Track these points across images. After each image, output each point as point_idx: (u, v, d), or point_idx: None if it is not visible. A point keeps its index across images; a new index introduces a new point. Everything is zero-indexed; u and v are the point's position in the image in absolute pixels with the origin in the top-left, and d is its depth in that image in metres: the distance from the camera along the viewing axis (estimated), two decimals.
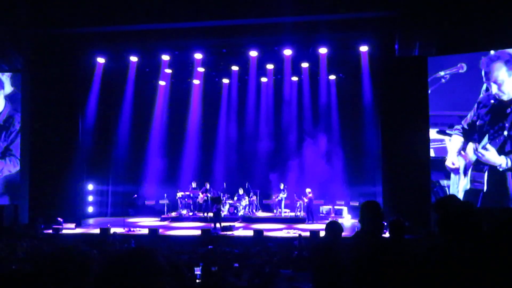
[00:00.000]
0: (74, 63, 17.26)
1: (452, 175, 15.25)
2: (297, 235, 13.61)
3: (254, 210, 19.67)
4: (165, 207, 19.69)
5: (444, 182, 15.30)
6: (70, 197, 17.19)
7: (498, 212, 13.64)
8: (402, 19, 14.20)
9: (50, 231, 15.44)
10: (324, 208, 18.96)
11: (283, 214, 18.93)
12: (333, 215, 18.27)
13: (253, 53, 18.03)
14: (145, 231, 15.34)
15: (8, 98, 16.89)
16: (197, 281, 6.97)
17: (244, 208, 19.23)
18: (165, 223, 18.34)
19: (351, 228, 16.01)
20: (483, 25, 14.38)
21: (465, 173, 15.01)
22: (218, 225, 16.17)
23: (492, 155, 14.64)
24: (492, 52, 14.86)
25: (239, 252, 11.22)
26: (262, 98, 21.42)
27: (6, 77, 16.91)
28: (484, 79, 14.91)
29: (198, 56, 18.23)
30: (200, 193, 19.46)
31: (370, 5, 14.50)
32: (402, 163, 15.60)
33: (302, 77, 20.37)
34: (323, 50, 17.53)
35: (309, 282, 6.30)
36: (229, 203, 19.10)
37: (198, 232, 15.17)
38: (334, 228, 5.21)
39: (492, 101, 14.75)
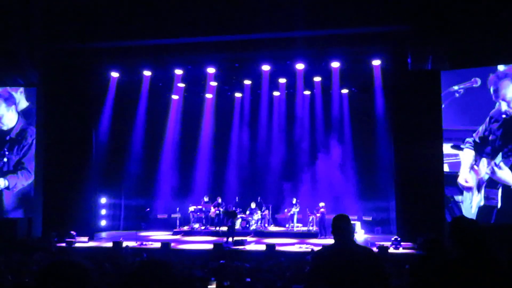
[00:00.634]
0: (88, 78, 17.44)
1: (465, 192, 15.08)
2: (310, 250, 13.51)
3: (266, 225, 19.59)
4: (177, 221, 19.70)
5: (458, 198, 15.11)
6: (83, 210, 17.25)
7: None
8: (414, 33, 14.17)
9: (64, 244, 15.50)
10: None
11: (295, 229, 18.84)
12: None
13: (266, 67, 18.08)
14: (158, 244, 15.34)
15: (22, 113, 17.05)
16: None
17: (256, 222, 19.18)
18: (177, 237, 18.34)
19: (364, 243, 15.86)
20: (497, 39, 14.30)
21: (478, 189, 14.82)
22: (230, 239, 16.12)
23: (505, 174, 14.46)
24: (501, 68, 14.75)
25: (251, 266, 11.15)
26: (275, 112, 21.45)
27: (20, 93, 17.07)
28: (493, 97, 14.80)
29: (210, 70, 18.32)
30: (212, 207, 19.45)
31: (382, 19, 14.50)
32: (416, 178, 15.48)
33: (315, 91, 20.38)
34: (335, 64, 17.53)
35: None
36: (241, 217, 19.04)
37: (210, 246, 15.13)
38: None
39: (504, 116, 14.62)
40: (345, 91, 20.33)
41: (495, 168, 14.52)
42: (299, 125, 20.99)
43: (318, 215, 18.00)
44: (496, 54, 14.69)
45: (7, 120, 17.00)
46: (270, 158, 21.19)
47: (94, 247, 15.73)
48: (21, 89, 17.07)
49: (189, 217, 19.86)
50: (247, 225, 18.80)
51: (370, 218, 19.03)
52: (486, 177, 14.67)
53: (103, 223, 19.81)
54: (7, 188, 16.73)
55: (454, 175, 15.23)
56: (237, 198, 19.90)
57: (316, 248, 13.67)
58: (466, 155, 15.04)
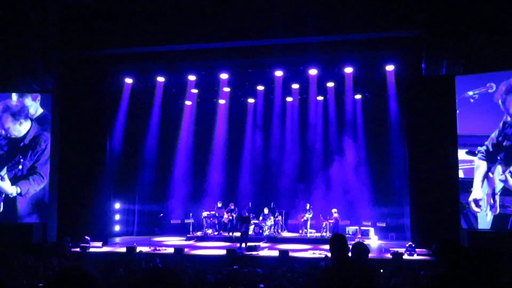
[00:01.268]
0: (102, 84, 17.59)
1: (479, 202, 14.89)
2: (323, 256, 13.45)
3: (279, 230, 19.54)
4: (191, 226, 19.73)
5: (473, 206, 14.95)
6: (97, 216, 17.34)
7: None
8: (428, 38, 14.08)
9: (78, 249, 15.60)
10: (351, 229, 18.72)
11: (308, 235, 18.76)
12: (359, 236, 18.02)
13: (279, 73, 18.10)
14: (171, 250, 15.37)
15: (37, 120, 17.21)
16: None
17: (269, 228, 19.13)
18: (191, 242, 18.36)
19: (378, 249, 15.76)
20: None
21: (493, 197, 14.63)
22: (243, 244, 16.10)
23: None
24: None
25: (264, 272, 11.12)
26: (287, 118, 21.43)
27: (30, 100, 17.21)
28: (502, 107, 14.67)
29: (224, 76, 18.39)
30: (225, 213, 19.46)
31: (396, 24, 14.45)
32: (430, 184, 15.37)
33: (328, 96, 20.35)
34: (348, 70, 17.50)
35: None
36: (254, 223, 19.01)
37: (223, 252, 15.12)
38: (360, 249, 5.10)
39: None
40: (358, 96, 20.28)
41: (508, 176, 14.34)
42: (312, 131, 20.96)
43: (331, 221, 17.93)
44: (511, 58, 14.54)
45: (14, 131, 17.13)
46: (283, 163, 21.18)
47: (108, 252, 15.81)
48: (39, 97, 17.24)
49: (202, 223, 19.89)
50: (260, 231, 18.76)
51: (384, 224, 18.90)
52: (501, 185, 14.48)
53: (117, 228, 19.92)
54: (20, 194, 16.87)
55: (469, 182, 15.05)
56: (250, 203, 19.88)
57: (330, 254, 13.63)
58: (478, 169, 14.82)
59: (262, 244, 16.91)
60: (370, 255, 5.19)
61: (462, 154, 15.16)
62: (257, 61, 17.21)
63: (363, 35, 15.09)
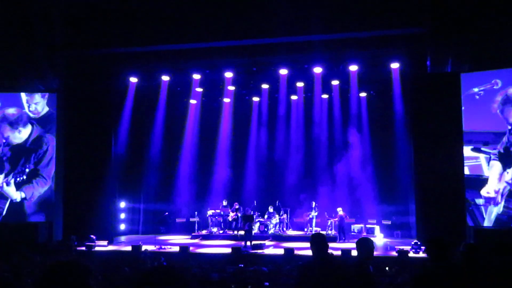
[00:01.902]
0: (107, 83, 17.61)
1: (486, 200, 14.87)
2: (329, 253, 13.41)
3: (284, 228, 19.53)
4: (196, 225, 19.75)
5: (479, 201, 14.90)
6: (103, 214, 17.38)
7: None
8: (433, 36, 14.03)
9: (83, 248, 15.64)
10: (356, 227, 18.70)
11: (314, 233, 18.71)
12: (364, 233, 17.99)
13: (283, 71, 18.07)
14: (176, 248, 15.38)
15: (42, 119, 17.26)
16: None
17: (275, 226, 19.12)
18: (196, 240, 18.38)
19: (383, 247, 15.73)
20: None
21: (501, 197, 14.58)
22: (248, 243, 16.11)
23: None
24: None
25: (270, 270, 11.12)
26: (292, 116, 21.40)
27: (39, 96, 17.27)
28: (501, 116, 14.65)
29: (228, 74, 18.38)
30: (230, 211, 19.47)
31: (401, 22, 14.39)
32: (436, 181, 15.31)
33: (333, 94, 20.32)
34: (353, 68, 17.46)
35: None
36: (259, 221, 19.02)
37: (228, 250, 15.11)
38: (366, 245, 5.09)
39: None
40: (363, 94, 20.22)
41: None
42: (317, 129, 20.92)
43: (336, 219, 17.91)
44: None
45: (15, 139, 17.17)
46: (288, 162, 21.16)
47: (114, 251, 15.84)
48: (47, 94, 17.29)
49: (208, 221, 19.91)
50: (265, 229, 18.77)
51: (389, 222, 18.86)
52: (508, 188, 14.45)
53: (122, 227, 19.98)
54: (25, 199, 16.93)
55: (475, 178, 15.01)
56: (255, 201, 19.89)
57: (335, 252, 13.62)
58: (494, 167, 14.76)
59: (267, 243, 16.91)
60: (375, 253, 5.18)
61: (467, 150, 15.12)
62: (262, 59, 17.20)
63: (368, 32, 15.04)
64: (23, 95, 17.32)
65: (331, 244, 16.47)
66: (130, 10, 15.66)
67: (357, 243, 5.17)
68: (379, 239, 17.67)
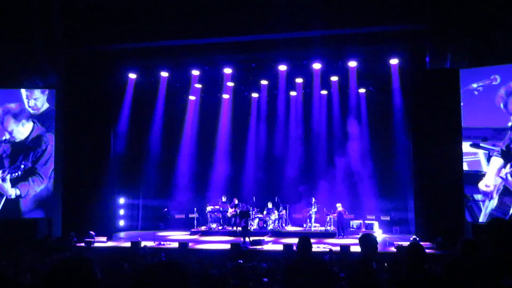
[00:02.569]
0: (106, 79, 17.60)
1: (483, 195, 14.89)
2: (328, 249, 13.46)
3: (283, 224, 19.55)
4: (195, 221, 19.77)
5: (478, 197, 14.92)
6: (102, 211, 17.39)
7: None
8: (432, 32, 14.02)
9: (83, 244, 15.66)
10: (355, 223, 18.73)
11: (313, 229, 18.77)
12: (363, 229, 18.02)
13: (282, 67, 18.06)
14: (175, 244, 15.42)
15: (42, 115, 17.24)
16: None
17: (274, 222, 19.14)
18: (195, 237, 18.41)
19: (382, 243, 15.77)
20: None
21: (497, 192, 14.61)
22: (247, 239, 16.13)
23: None
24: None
25: (269, 266, 11.13)
26: (291, 112, 21.39)
27: (39, 92, 17.26)
28: (504, 111, 14.63)
29: (227, 71, 18.36)
30: (229, 208, 19.48)
31: (400, 18, 14.38)
32: (434, 177, 15.34)
33: (332, 90, 20.32)
34: (352, 64, 17.45)
35: None
36: (258, 217, 19.04)
37: (227, 246, 15.15)
38: (370, 241, 5.09)
39: None
40: (362, 90, 20.22)
41: (508, 176, 14.34)
42: (316, 125, 20.92)
43: (335, 215, 17.94)
44: None
45: (18, 134, 17.18)
46: (287, 158, 21.17)
47: (113, 247, 15.86)
48: (47, 91, 17.28)
49: (207, 217, 19.94)
50: (265, 225, 18.79)
51: (388, 218, 18.91)
52: (503, 183, 14.49)
53: (121, 223, 19.99)
54: (20, 196, 16.90)
55: (473, 174, 15.03)
56: (254, 197, 19.90)
57: (334, 248, 13.65)
58: (494, 162, 14.77)
59: (266, 238, 16.95)
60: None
61: (466, 146, 15.13)
62: (261, 55, 17.20)
63: (367, 28, 15.04)
64: (23, 91, 17.31)
65: (330, 240, 16.62)
66: (129, 6, 15.64)
67: (360, 239, 5.17)
68: (378, 235, 17.68)
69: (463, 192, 15.01)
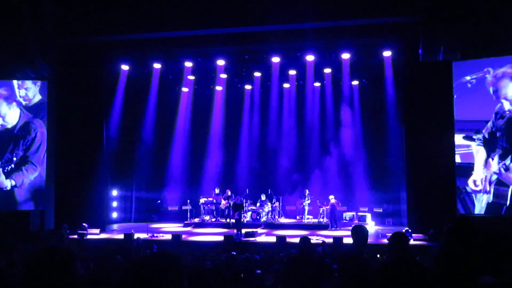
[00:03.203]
0: (98, 71, 17.47)
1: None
2: (321, 241, 13.51)
3: (276, 216, 19.60)
4: (188, 213, 19.78)
5: (470, 188, 15.03)
6: (95, 203, 17.35)
7: None
8: (425, 24, 14.02)
9: (75, 236, 15.63)
10: (347, 215, 18.79)
11: (306, 220, 18.84)
12: (356, 221, 18.09)
13: (276, 59, 18.03)
14: (168, 236, 15.42)
15: (34, 107, 17.15)
16: None
17: (267, 214, 19.18)
18: (188, 229, 18.43)
19: (374, 235, 15.84)
20: (509, 29, 14.14)
21: (490, 185, 14.71)
22: (242, 231, 16.15)
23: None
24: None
25: (262, 258, 11.18)
26: (285, 104, 21.37)
27: (30, 83, 17.17)
28: (494, 97, 14.69)
29: (220, 62, 18.30)
30: (222, 199, 19.49)
31: (393, 10, 14.36)
32: (427, 169, 15.40)
33: (325, 82, 20.32)
34: (345, 56, 17.45)
35: None
36: (251, 209, 19.07)
37: (220, 238, 15.18)
38: (361, 232, 5.14)
39: (508, 112, 14.53)
40: (355, 82, 20.24)
41: (502, 170, 14.43)
42: (309, 117, 20.91)
43: (328, 207, 18.00)
44: (508, 44, 14.51)
45: (11, 118, 17.11)
46: (281, 150, 21.17)
47: (106, 239, 15.85)
48: (39, 82, 17.18)
49: (200, 209, 19.94)
50: (258, 217, 18.82)
51: (381, 210, 19.00)
52: (495, 176, 14.58)
53: (114, 215, 19.96)
54: (15, 186, 16.90)
55: (466, 166, 15.12)
56: (247, 190, 19.94)
57: (327, 240, 13.71)
58: (479, 154, 14.88)
59: (259, 230, 16.98)
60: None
61: (459, 139, 15.21)
62: (254, 47, 17.15)
63: (360, 20, 15.02)
64: (14, 83, 17.22)
65: (323, 232, 16.69)
66: None
67: (352, 230, 5.20)
68: (370, 226, 17.77)
69: (455, 184, 15.10)
